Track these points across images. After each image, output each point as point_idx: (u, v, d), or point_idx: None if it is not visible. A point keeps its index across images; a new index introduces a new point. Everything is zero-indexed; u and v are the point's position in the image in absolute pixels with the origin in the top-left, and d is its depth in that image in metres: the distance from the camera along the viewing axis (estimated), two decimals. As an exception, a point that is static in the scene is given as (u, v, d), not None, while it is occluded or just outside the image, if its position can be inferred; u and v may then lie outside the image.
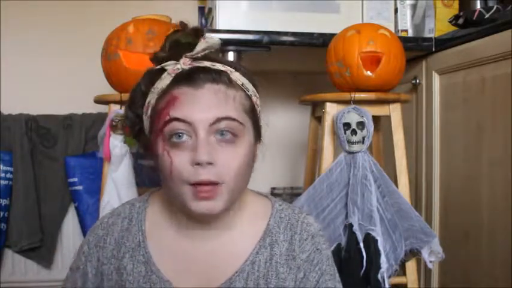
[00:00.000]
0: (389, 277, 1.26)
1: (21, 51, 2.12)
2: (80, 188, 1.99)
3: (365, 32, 1.36)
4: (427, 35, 1.75)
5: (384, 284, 1.23)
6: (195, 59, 0.78)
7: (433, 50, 1.61)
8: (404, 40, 1.51)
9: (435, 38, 1.62)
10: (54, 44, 2.14)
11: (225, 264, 0.80)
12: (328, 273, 0.83)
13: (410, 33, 1.78)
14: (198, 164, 0.71)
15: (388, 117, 1.41)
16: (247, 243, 0.81)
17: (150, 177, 1.29)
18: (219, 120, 0.73)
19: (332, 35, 1.46)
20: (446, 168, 1.58)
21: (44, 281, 2.08)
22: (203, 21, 1.98)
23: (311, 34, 1.55)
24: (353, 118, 1.31)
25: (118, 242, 0.82)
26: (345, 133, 1.31)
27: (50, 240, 2.05)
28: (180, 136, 0.73)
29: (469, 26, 1.52)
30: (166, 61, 0.78)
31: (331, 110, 1.39)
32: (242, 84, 0.78)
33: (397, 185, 1.37)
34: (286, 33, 1.54)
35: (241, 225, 0.82)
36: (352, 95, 1.34)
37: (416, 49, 1.63)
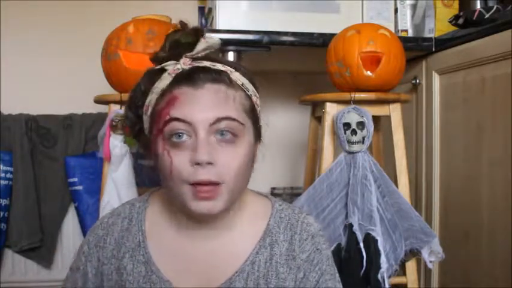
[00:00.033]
0: (389, 277, 1.26)
1: (21, 51, 2.12)
2: (80, 188, 1.99)
3: (365, 32, 1.36)
4: (427, 35, 1.75)
5: (384, 284, 1.23)
6: (195, 59, 0.78)
7: (433, 50, 1.61)
8: (404, 40, 1.51)
9: (435, 38, 1.62)
10: (54, 44, 2.14)
11: (225, 264, 0.80)
12: (328, 273, 0.83)
13: (410, 33, 1.78)
14: (198, 164, 0.71)
15: (388, 117, 1.41)
16: (247, 243, 0.81)
17: (150, 177, 1.28)
18: (219, 120, 0.73)
19: (332, 35, 1.46)
20: (446, 168, 1.58)
21: (44, 281, 2.08)
22: (203, 21, 1.98)
23: (311, 34, 1.55)
24: (353, 118, 1.31)
25: (118, 242, 0.82)
26: (345, 133, 1.31)
27: (50, 240, 2.05)
28: (180, 136, 0.73)
29: (469, 26, 1.52)
30: (166, 61, 0.78)
31: (331, 110, 1.39)
32: (242, 84, 0.78)
33: (397, 185, 1.37)
34: (286, 33, 1.54)
35: (241, 225, 0.82)
36: (352, 95, 1.34)
37: (416, 49, 1.63)
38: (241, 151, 0.75)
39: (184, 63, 0.77)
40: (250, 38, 1.52)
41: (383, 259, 1.24)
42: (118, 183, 1.28)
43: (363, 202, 1.27)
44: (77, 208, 2.00)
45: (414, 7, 1.79)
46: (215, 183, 0.72)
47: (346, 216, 1.29)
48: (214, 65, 0.77)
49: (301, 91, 1.64)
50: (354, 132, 1.30)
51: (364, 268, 1.23)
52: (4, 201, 1.96)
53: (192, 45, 0.77)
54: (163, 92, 0.76)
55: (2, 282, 2.02)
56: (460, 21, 1.55)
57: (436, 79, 1.61)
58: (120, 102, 1.31)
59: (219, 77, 0.76)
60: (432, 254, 1.33)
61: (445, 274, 1.57)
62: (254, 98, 0.80)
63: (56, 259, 2.09)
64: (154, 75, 0.78)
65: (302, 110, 1.88)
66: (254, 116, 0.80)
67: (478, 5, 1.70)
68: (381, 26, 1.42)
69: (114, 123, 1.28)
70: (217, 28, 1.56)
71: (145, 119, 0.79)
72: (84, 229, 1.96)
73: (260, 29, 1.54)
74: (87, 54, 1.89)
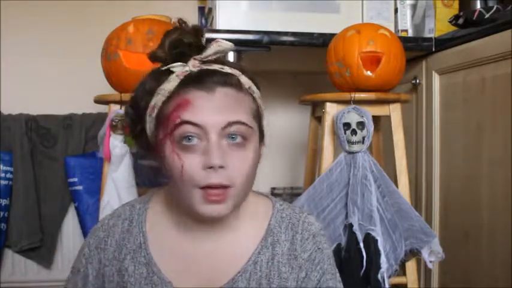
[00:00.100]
0: (389, 277, 1.26)
1: (21, 51, 2.12)
2: (80, 188, 1.99)
3: (365, 32, 1.36)
4: (427, 35, 1.75)
5: (384, 284, 1.23)
6: (203, 62, 0.77)
7: (433, 50, 1.61)
8: (404, 40, 1.51)
9: (435, 38, 1.62)
10: (54, 44, 2.14)
11: (227, 264, 0.80)
12: (329, 273, 0.83)
13: (410, 33, 1.78)
14: (210, 167, 0.71)
15: (388, 117, 1.41)
16: (248, 243, 0.81)
17: (150, 177, 1.29)
18: (230, 124, 0.73)
19: (332, 35, 1.46)
20: (446, 168, 1.58)
21: (44, 281, 2.08)
22: (203, 21, 1.98)
23: (311, 34, 1.55)
24: (353, 118, 1.31)
25: (119, 244, 0.82)
26: (345, 133, 1.31)
27: (50, 240, 2.05)
28: (190, 139, 0.72)
29: (469, 26, 1.52)
30: (167, 61, 0.77)
31: (331, 110, 1.39)
32: (249, 88, 0.78)
33: (397, 185, 1.37)
34: (286, 33, 1.54)
35: (243, 225, 0.82)
36: (352, 95, 1.34)
37: (416, 49, 1.63)
38: (250, 154, 0.75)
39: (194, 66, 0.76)
40: (250, 38, 1.52)
41: (383, 259, 1.25)
42: (118, 183, 1.28)
43: (363, 202, 1.27)
44: (77, 208, 2.00)
45: (414, 7, 1.79)
46: (225, 187, 0.72)
47: (346, 216, 1.29)
48: (223, 68, 0.76)
49: (301, 91, 1.64)
50: (354, 132, 1.30)
51: (364, 268, 1.23)
52: (4, 201, 1.96)
53: (194, 45, 0.76)
54: (171, 94, 0.75)
55: (2, 282, 2.02)
56: (460, 21, 1.55)
57: (436, 79, 1.61)
58: (120, 102, 1.30)
59: (229, 81, 0.75)
60: (432, 254, 1.33)
61: (445, 274, 1.57)
62: (259, 101, 0.80)
63: (56, 259, 2.09)
64: (160, 75, 0.77)
65: (302, 110, 1.88)
66: (259, 119, 0.80)
67: (478, 5, 1.70)
68: (381, 26, 1.42)
69: (114, 123, 1.28)
70: (217, 28, 1.56)
71: (150, 120, 0.78)
72: (84, 229, 1.96)
73: (260, 29, 1.54)
74: (87, 54, 1.89)
